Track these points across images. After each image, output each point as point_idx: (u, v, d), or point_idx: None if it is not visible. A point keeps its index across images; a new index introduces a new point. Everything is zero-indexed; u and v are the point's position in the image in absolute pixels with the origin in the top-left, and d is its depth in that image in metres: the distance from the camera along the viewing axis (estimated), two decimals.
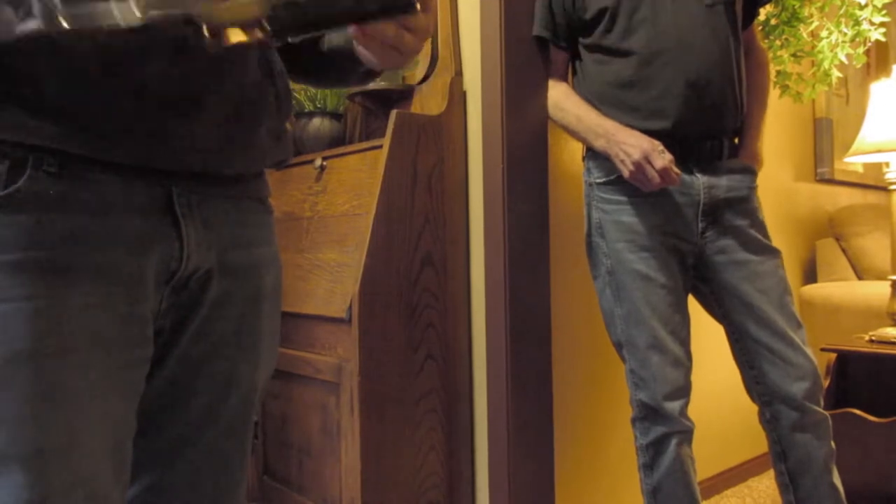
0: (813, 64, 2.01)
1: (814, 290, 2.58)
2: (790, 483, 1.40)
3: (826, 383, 1.92)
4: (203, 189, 0.68)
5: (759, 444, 1.77)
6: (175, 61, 0.61)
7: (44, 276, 0.56)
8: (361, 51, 0.68)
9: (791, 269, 2.41)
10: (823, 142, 2.80)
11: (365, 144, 1.68)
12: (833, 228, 2.75)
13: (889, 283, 2.00)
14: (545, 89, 1.54)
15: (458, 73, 1.65)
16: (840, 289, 2.52)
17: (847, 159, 2.24)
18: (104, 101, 0.58)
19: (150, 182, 0.63)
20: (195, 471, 0.74)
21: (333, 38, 0.82)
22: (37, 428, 0.55)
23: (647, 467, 1.43)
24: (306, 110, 1.94)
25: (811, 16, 1.95)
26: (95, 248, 0.59)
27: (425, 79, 1.72)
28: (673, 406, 1.37)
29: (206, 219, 0.68)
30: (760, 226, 1.43)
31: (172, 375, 0.70)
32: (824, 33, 1.95)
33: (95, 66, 0.57)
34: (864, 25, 1.88)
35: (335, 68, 0.85)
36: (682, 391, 1.39)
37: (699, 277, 1.45)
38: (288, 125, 0.79)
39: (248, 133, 0.71)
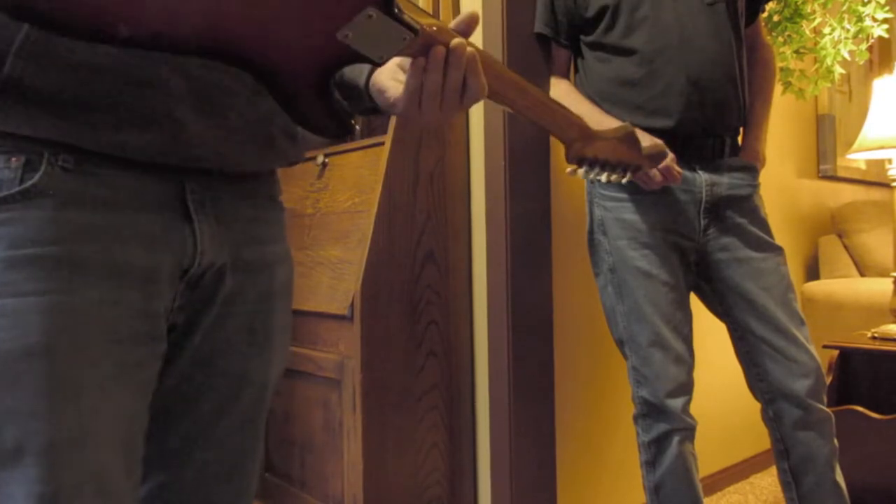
0: (815, 60, 2.00)
1: (816, 287, 2.57)
2: (793, 480, 1.40)
3: (828, 380, 1.92)
4: (216, 186, 0.68)
5: (761, 440, 1.77)
6: (190, 61, 0.61)
7: (58, 271, 0.56)
8: (383, 84, 0.68)
9: (793, 266, 2.41)
10: (826, 138, 2.79)
11: (367, 141, 1.67)
12: (836, 225, 2.74)
13: (891, 279, 2.00)
14: (547, 87, 1.54)
15: None
16: (842, 286, 2.52)
17: (850, 156, 2.24)
18: (119, 99, 0.58)
19: (164, 179, 0.63)
20: (207, 468, 0.74)
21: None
22: (49, 422, 0.55)
23: (649, 464, 1.43)
24: None
25: (814, 12, 1.95)
26: (110, 244, 0.59)
27: None
28: (675, 403, 1.37)
29: (219, 215, 0.68)
30: (763, 223, 1.43)
31: (185, 372, 0.70)
32: (827, 30, 1.95)
33: (111, 65, 0.57)
34: (867, 22, 1.88)
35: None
36: (685, 388, 1.39)
37: (701, 275, 1.45)
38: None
39: (263, 133, 0.71)
